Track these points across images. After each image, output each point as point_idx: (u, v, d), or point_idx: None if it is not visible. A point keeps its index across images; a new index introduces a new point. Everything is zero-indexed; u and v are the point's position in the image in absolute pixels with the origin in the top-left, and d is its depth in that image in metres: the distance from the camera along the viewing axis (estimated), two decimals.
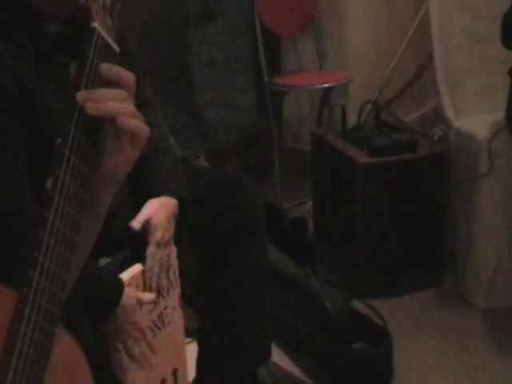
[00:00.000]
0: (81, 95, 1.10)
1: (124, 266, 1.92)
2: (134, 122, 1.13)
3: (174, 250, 2.03)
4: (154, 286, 1.95)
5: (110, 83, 1.14)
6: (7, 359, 1.02)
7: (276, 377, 2.40)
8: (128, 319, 1.77)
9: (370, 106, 3.29)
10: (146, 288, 1.93)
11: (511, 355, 2.58)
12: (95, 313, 1.71)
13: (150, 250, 1.93)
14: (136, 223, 1.90)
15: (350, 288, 2.71)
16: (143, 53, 3.45)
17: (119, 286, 1.76)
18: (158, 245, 1.95)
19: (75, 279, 1.19)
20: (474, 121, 2.91)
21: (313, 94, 3.87)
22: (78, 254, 1.15)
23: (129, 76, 1.15)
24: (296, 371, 2.51)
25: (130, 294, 1.78)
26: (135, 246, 1.93)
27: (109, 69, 1.12)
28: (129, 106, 1.13)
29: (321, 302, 2.47)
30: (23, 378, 1.03)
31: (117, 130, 1.13)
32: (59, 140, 1.10)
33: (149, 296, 1.86)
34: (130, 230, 1.91)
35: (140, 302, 1.81)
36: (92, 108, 1.10)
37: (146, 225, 1.92)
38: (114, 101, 1.12)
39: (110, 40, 1.16)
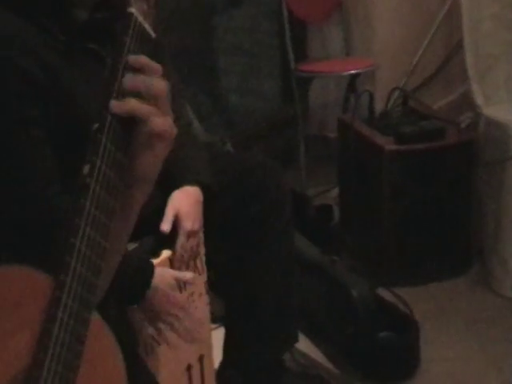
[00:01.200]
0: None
1: (151, 252, 1.93)
2: (163, 123, 1.11)
3: (201, 237, 2.04)
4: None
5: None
6: (44, 344, 1.03)
7: (301, 363, 2.42)
8: (166, 300, 1.78)
9: (397, 92, 3.27)
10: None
11: None
12: (126, 297, 1.73)
13: (180, 240, 1.95)
14: (165, 225, 1.92)
15: (375, 276, 2.71)
16: (169, 38, 3.46)
17: (149, 268, 1.77)
18: (188, 235, 1.96)
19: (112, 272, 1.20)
20: (504, 108, 2.93)
21: (339, 80, 3.87)
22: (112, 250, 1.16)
23: (157, 67, 1.12)
24: (321, 358, 2.52)
25: (167, 274, 1.81)
26: (160, 232, 1.94)
27: (136, 59, 1.10)
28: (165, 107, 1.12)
29: (346, 290, 2.48)
30: (59, 363, 1.04)
31: (147, 130, 1.11)
32: (96, 125, 1.08)
33: (187, 275, 1.88)
34: (158, 218, 1.91)
35: (177, 279, 1.83)
36: (115, 106, 1.08)
37: (175, 219, 1.93)
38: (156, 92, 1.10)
39: (146, 25, 1.15)
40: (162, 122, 1.10)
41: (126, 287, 1.72)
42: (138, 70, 1.09)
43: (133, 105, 1.07)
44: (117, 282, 1.63)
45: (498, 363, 2.50)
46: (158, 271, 1.79)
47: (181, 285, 1.96)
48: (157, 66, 1.10)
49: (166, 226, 1.91)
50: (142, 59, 1.09)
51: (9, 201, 1.51)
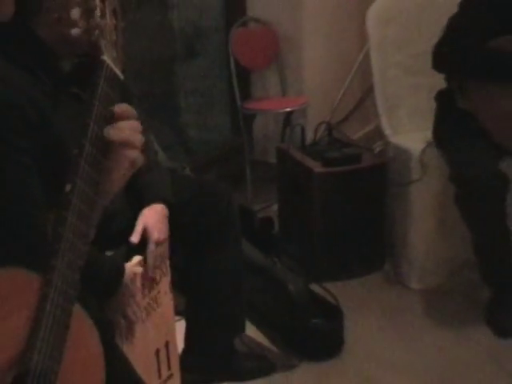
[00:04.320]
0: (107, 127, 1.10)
1: (125, 257, 1.91)
2: (136, 153, 1.12)
3: (167, 246, 2.02)
4: (152, 274, 1.95)
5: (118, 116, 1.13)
6: (35, 331, 1.03)
7: (249, 346, 2.39)
8: (128, 292, 1.77)
9: (323, 125, 3.26)
10: (146, 278, 1.92)
11: (440, 326, 2.58)
12: (102, 292, 1.71)
13: (150, 248, 1.93)
14: (134, 237, 1.90)
15: (308, 274, 2.68)
16: (139, 82, 3.45)
17: (121, 270, 1.77)
18: (156, 244, 1.94)
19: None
20: (408, 137, 2.91)
21: (277, 116, 3.85)
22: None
23: (133, 111, 1.14)
24: (265, 341, 2.50)
25: (131, 270, 1.79)
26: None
27: (120, 107, 1.12)
28: (141, 138, 1.13)
29: (285, 286, 2.48)
30: (48, 346, 1.04)
31: (120, 155, 1.12)
32: (76, 151, 1.09)
33: (139, 269, 1.86)
34: (127, 228, 1.90)
35: (136, 275, 1.82)
36: (113, 134, 1.09)
37: (144, 230, 1.92)
38: (131, 131, 1.11)
39: (116, 69, 1.15)
40: (136, 152, 1.12)
41: (104, 283, 1.72)
42: (124, 117, 1.11)
43: (127, 134, 1.10)
44: (96, 279, 1.64)
45: (409, 342, 2.51)
46: (127, 273, 1.78)
47: (153, 285, 1.97)
48: (134, 112, 1.13)
49: (134, 238, 1.90)
50: (124, 107, 1.11)
51: None
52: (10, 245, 1.44)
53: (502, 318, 2.52)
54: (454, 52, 2.46)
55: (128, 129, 1.12)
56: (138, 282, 1.84)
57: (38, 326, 1.04)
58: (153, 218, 1.94)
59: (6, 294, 1.05)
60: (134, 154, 1.13)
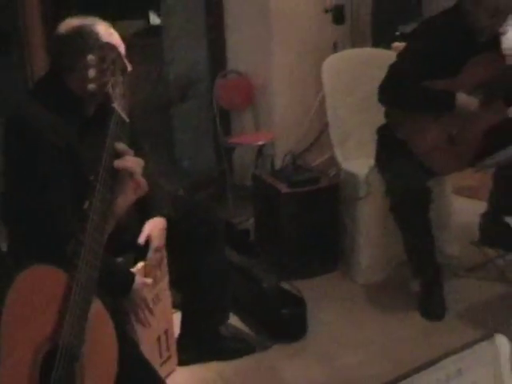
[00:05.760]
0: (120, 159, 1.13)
1: (131, 263, 1.92)
2: (137, 183, 1.15)
3: (164, 252, 2.03)
4: (152, 275, 1.95)
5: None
6: (66, 318, 1.07)
7: (232, 332, 2.40)
8: (139, 295, 1.78)
9: (289, 155, 3.21)
10: (147, 277, 1.92)
11: (382, 312, 2.59)
12: (115, 293, 1.73)
13: (150, 254, 1.93)
14: (141, 239, 1.91)
15: (279, 273, 2.67)
16: (142, 122, 3.47)
17: (131, 275, 1.78)
18: (155, 250, 1.95)
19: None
20: (356, 164, 2.91)
21: (252, 148, 3.80)
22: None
23: (129, 150, 1.17)
24: (245, 328, 2.50)
25: (140, 281, 1.80)
26: (139, 250, 1.94)
27: (120, 144, 1.15)
28: (141, 169, 1.16)
29: (260, 283, 2.50)
30: (74, 328, 1.06)
31: (127, 183, 1.14)
32: (92, 176, 1.12)
33: (149, 280, 1.88)
34: (136, 240, 1.91)
35: (145, 284, 1.83)
36: (119, 163, 1.13)
37: (148, 238, 1.92)
38: (133, 163, 1.14)
39: (123, 114, 1.18)
40: (137, 180, 1.15)
41: (117, 285, 1.75)
42: (123, 152, 1.14)
43: (123, 164, 1.13)
44: (110, 281, 1.67)
45: (357, 324, 2.52)
46: (137, 279, 1.79)
47: (155, 285, 1.98)
48: (130, 151, 1.15)
49: (141, 240, 1.90)
50: (120, 146, 1.14)
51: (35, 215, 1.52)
52: (46, 246, 1.47)
53: (429, 304, 2.54)
54: (395, 90, 2.46)
55: (131, 161, 1.15)
56: (147, 291, 1.83)
57: (66, 312, 1.06)
58: (155, 228, 1.94)
59: (41, 285, 1.07)
60: (136, 182, 1.15)
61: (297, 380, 2.20)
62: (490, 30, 2.48)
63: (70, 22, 1.68)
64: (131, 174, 1.14)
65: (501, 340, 0.71)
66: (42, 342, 1.07)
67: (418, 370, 0.76)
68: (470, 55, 2.50)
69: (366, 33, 3.99)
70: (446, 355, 0.74)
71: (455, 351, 0.74)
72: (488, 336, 0.73)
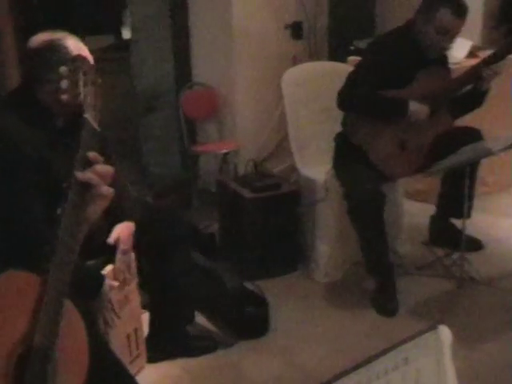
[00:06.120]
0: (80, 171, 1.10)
1: (101, 266, 1.91)
2: (106, 190, 1.13)
3: (133, 255, 2.03)
4: (121, 278, 1.95)
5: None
6: (39, 320, 1.06)
7: (199, 330, 2.41)
8: (107, 298, 1.79)
9: (251, 162, 3.20)
10: (116, 279, 1.93)
11: (339, 308, 2.61)
12: (86, 295, 1.73)
13: (118, 256, 1.93)
14: (111, 240, 1.91)
15: (242, 274, 2.65)
16: (111, 132, 3.43)
17: (101, 278, 1.79)
18: (123, 252, 1.95)
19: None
20: (314, 170, 2.93)
21: (216, 155, 3.82)
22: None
23: (100, 157, 1.15)
24: (210, 326, 2.50)
25: (108, 283, 1.80)
26: (109, 253, 1.93)
27: (92, 154, 1.13)
28: (109, 179, 1.14)
29: (224, 283, 2.48)
30: (46, 329, 1.05)
31: (95, 191, 1.12)
32: (65, 184, 1.10)
33: (116, 283, 1.87)
34: (106, 243, 1.90)
35: (113, 287, 1.83)
36: (83, 176, 1.10)
37: (116, 240, 1.92)
38: (100, 174, 1.11)
39: (94, 124, 1.17)
40: (105, 188, 1.13)
41: (87, 288, 1.75)
42: (92, 161, 1.12)
43: (88, 176, 1.10)
44: (81, 284, 1.64)
45: (316, 320, 2.53)
46: (105, 282, 1.80)
47: (123, 286, 1.98)
48: (101, 159, 1.13)
49: (110, 240, 1.90)
50: (92, 155, 1.12)
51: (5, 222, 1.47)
52: (19, 252, 1.44)
53: (382, 301, 2.56)
54: (352, 95, 2.50)
55: (96, 171, 1.12)
56: (114, 293, 1.83)
57: (39, 315, 1.05)
58: (123, 232, 1.94)
59: (15, 289, 1.06)
60: (103, 191, 1.13)
61: (259, 375, 2.21)
62: (439, 48, 2.56)
63: (41, 37, 1.67)
64: (95, 185, 1.12)
65: (444, 330, 0.73)
66: (16, 345, 1.06)
67: (369, 360, 0.78)
68: (420, 69, 2.56)
69: (323, 47, 4.04)
70: (394, 346, 0.77)
71: (402, 342, 0.77)
72: (432, 327, 0.76)
